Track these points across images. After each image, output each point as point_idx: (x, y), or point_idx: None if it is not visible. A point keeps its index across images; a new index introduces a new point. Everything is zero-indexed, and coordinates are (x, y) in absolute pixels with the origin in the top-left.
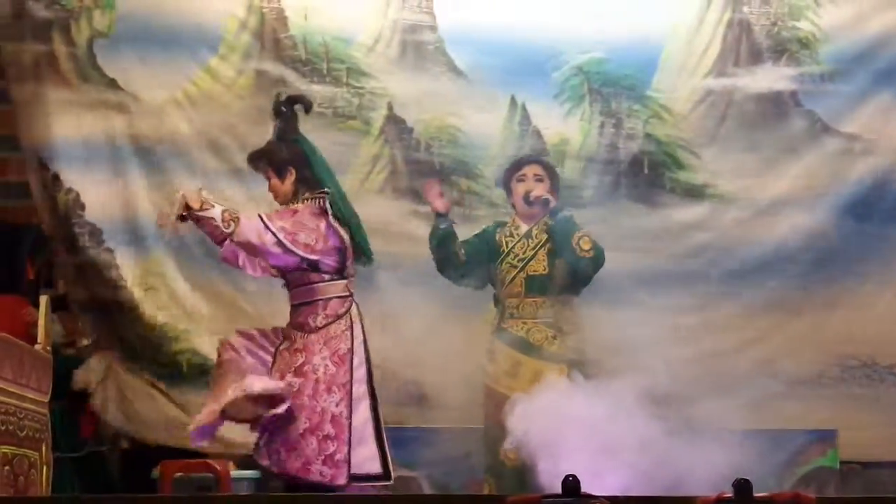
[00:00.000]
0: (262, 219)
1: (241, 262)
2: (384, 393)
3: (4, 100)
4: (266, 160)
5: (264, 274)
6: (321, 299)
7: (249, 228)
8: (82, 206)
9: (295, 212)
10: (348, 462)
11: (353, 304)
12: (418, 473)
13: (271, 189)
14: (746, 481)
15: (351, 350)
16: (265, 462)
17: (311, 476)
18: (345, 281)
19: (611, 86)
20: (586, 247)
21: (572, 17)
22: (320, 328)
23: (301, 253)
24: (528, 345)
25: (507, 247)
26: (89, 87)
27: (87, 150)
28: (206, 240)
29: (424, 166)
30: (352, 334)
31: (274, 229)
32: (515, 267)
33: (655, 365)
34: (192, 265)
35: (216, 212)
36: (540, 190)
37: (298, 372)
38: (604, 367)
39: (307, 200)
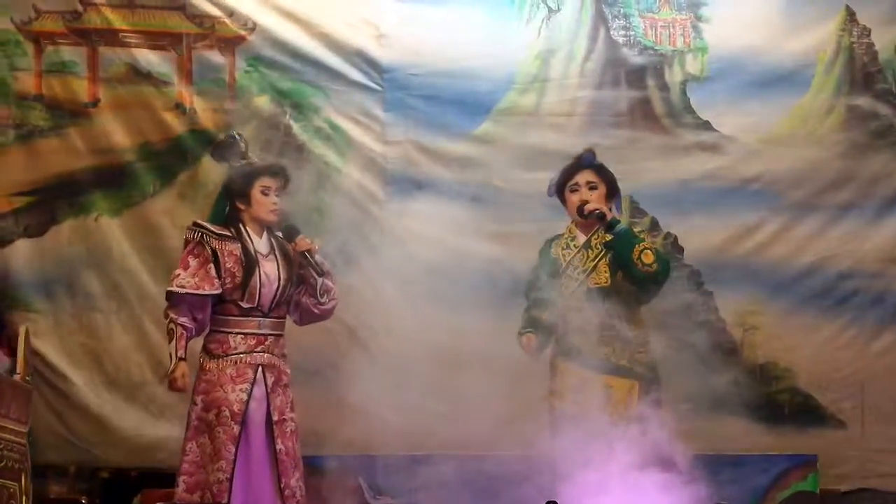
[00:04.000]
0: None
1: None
2: None
3: None
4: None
5: None
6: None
7: None
8: (680, 250)
9: None
10: None
11: None
12: (401, 501)
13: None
14: None
15: None
16: None
17: None
18: None
19: None
20: (648, 261)
21: None
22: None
23: None
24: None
25: (565, 259)
26: (683, 131)
27: (685, 193)
28: None
29: None
30: None
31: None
32: (576, 280)
33: None
34: None
35: None
36: (595, 200)
37: (293, 407)
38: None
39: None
